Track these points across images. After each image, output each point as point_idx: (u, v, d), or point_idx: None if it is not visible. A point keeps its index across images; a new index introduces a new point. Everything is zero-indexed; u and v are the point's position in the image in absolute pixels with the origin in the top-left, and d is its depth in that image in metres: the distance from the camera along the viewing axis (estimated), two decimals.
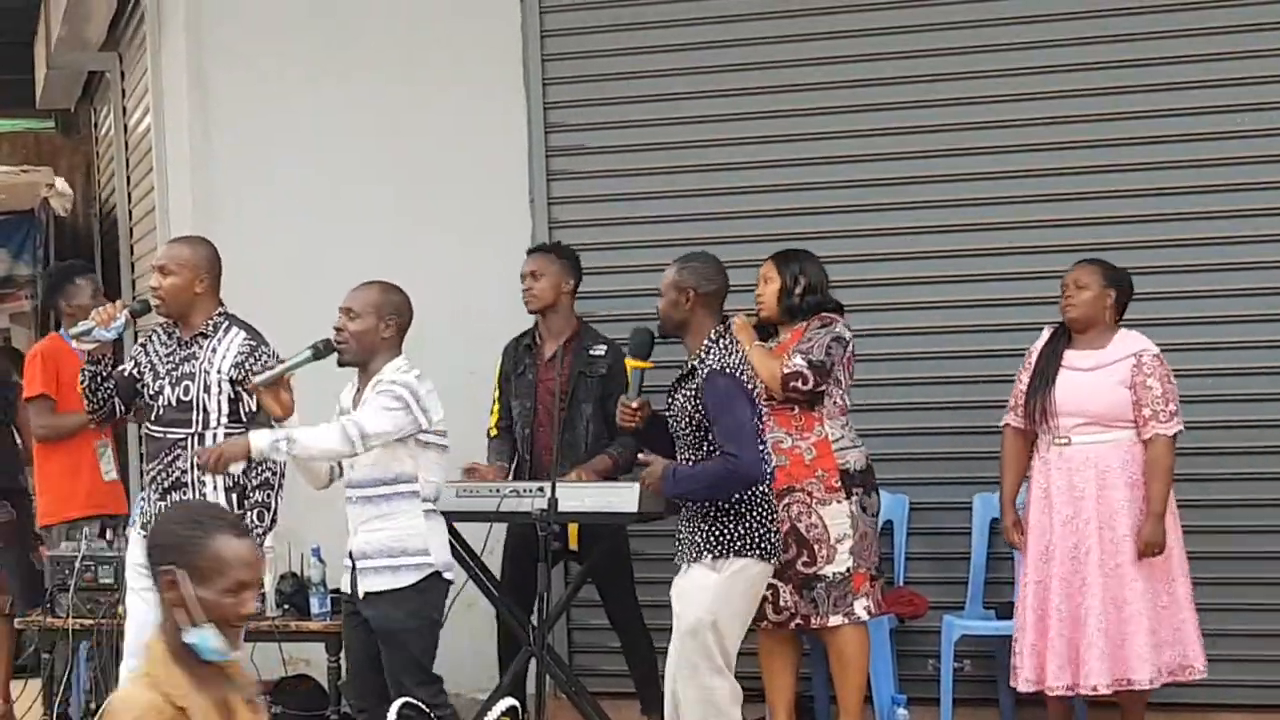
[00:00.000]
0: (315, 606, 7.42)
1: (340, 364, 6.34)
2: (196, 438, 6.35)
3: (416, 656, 6.21)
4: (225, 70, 8.68)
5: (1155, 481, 6.69)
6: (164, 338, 6.45)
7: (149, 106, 9.68)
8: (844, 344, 7.01)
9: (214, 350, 6.38)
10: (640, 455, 6.44)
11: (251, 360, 6.36)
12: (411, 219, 8.44)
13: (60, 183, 12.67)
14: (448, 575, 6.29)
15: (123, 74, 11.23)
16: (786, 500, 6.87)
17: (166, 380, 6.35)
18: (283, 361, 6.31)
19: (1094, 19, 7.68)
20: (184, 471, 6.36)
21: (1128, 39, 7.64)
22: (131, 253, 11.38)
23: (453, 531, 7.51)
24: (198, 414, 6.36)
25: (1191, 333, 7.50)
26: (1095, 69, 7.68)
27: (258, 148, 8.62)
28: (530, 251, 7.70)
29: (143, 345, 6.54)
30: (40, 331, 12.31)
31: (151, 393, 6.37)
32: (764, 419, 6.41)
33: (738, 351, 6.32)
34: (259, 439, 6.08)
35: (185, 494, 6.35)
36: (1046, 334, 6.96)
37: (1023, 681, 6.81)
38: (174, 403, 6.36)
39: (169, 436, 6.36)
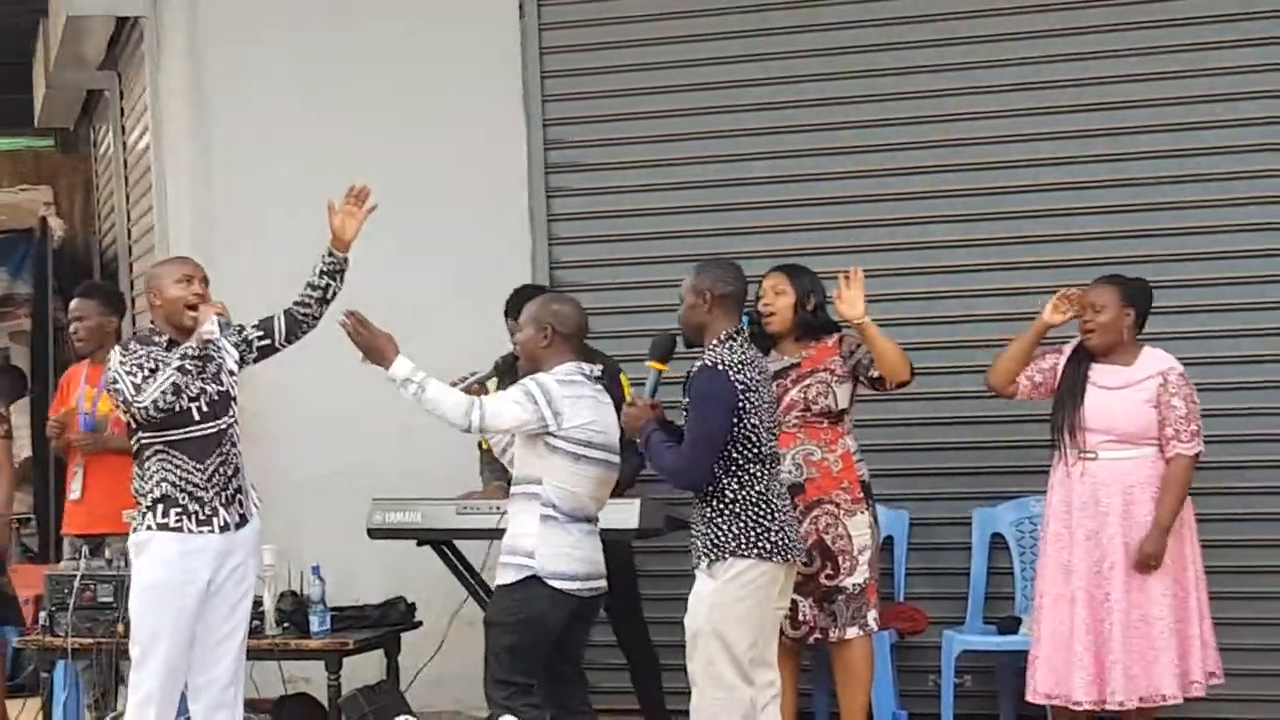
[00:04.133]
0: (315, 625, 7.41)
1: (520, 376, 6.41)
2: (233, 424, 6.54)
3: (500, 652, 6.21)
4: (224, 90, 8.70)
5: (1168, 495, 6.70)
6: (163, 352, 6.47)
7: (148, 125, 9.68)
8: None
9: (218, 346, 6.52)
10: (633, 400, 6.39)
11: (227, 330, 6.57)
12: (412, 237, 8.44)
13: (54, 220, 12.74)
14: (558, 584, 6.17)
15: (122, 93, 11.24)
16: (815, 513, 6.90)
17: (200, 381, 6.43)
18: (475, 373, 6.55)
19: (1100, 59, 7.71)
20: (237, 456, 6.53)
21: (1135, 80, 7.67)
22: (131, 270, 11.38)
23: (452, 549, 7.55)
24: (233, 402, 6.57)
25: (1213, 347, 7.51)
26: (1093, 110, 7.72)
27: (256, 167, 8.64)
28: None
29: (143, 365, 6.50)
30: (45, 349, 12.32)
31: (191, 395, 6.42)
32: (760, 424, 6.22)
33: (744, 352, 6.28)
34: (401, 366, 6.22)
35: (240, 480, 6.50)
36: (1071, 347, 6.95)
37: (1040, 696, 6.78)
38: (216, 397, 6.48)
39: (218, 426, 6.49)
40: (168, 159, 9.15)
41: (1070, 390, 6.84)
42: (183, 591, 6.36)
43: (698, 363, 6.22)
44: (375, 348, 6.28)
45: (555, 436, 6.16)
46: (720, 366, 6.14)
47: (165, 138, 9.20)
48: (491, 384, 6.88)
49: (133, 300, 11.19)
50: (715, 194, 8.18)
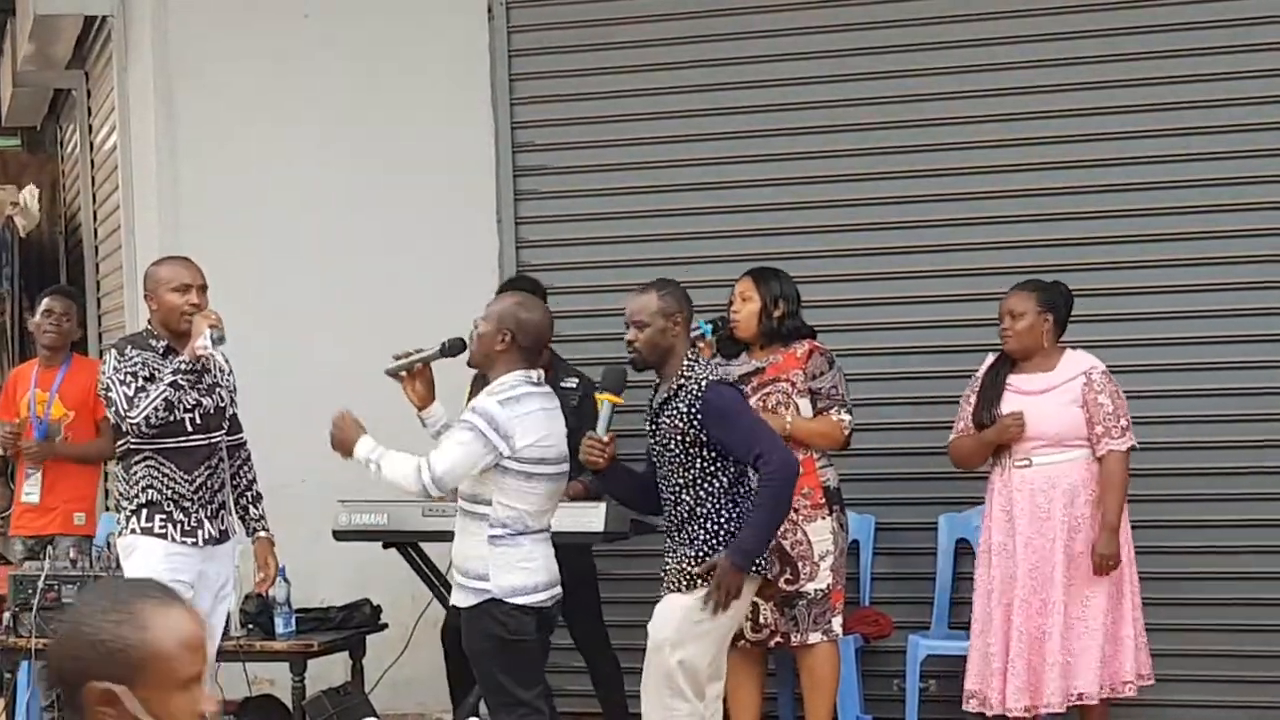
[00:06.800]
0: (280, 626, 7.41)
1: (469, 364, 6.33)
2: (225, 439, 6.66)
3: (493, 678, 6.09)
4: (191, 90, 8.67)
5: (1109, 494, 6.73)
6: (159, 359, 6.48)
7: (115, 124, 9.66)
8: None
9: (212, 360, 6.57)
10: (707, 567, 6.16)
11: (222, 344, 6.51)
12: (379, 237, 8.44)
13: (28, 192, 12.64)
14: (517, 600, 6.00)
15: (89, 92, 11.21)
16: None
17: (195, 392, 6.48)
18: (420, 350, 6.31)
19: (1067, 40, 7.69)
20: (224, 471, 6.67)
21: (1101, 61, 7.66)
22: (97, 270, 11.35)
23: (418, 551, 7.53)
24: (226, 418, 6.67)
25: (1146, 354, 7.53)
26: (1068, 91, 7.70)
27: (223, 167, 8.62)
28: (508, 287, 7.48)
29: (137, 374, 6.47)
30: (11, 349, 12.25)
31: (186, 407, 6.45)
32: None
33: (715, 367, 6.33)
34: (362, 447, 6.11)
35: (224, 496, 6.65)
36: (990, 359, 6.99)
37: (996, 705, 6.80)
38: (212, 410, 6.57)
39: (211, 441, 6.59)
40: (135, 158, 9.13)
41: (987, 400, 6.88)
42: (175, 586, 6.41)
43: (701, 383, 6.13)
44: (341, 440, 6.17)
45: (507, 459, 5.95)
46: (721, 382, 6.18)
47: (132, 137, 9.18)
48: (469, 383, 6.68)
49: (99, 301, 11.17)
50: (685, 197, 8.18)
